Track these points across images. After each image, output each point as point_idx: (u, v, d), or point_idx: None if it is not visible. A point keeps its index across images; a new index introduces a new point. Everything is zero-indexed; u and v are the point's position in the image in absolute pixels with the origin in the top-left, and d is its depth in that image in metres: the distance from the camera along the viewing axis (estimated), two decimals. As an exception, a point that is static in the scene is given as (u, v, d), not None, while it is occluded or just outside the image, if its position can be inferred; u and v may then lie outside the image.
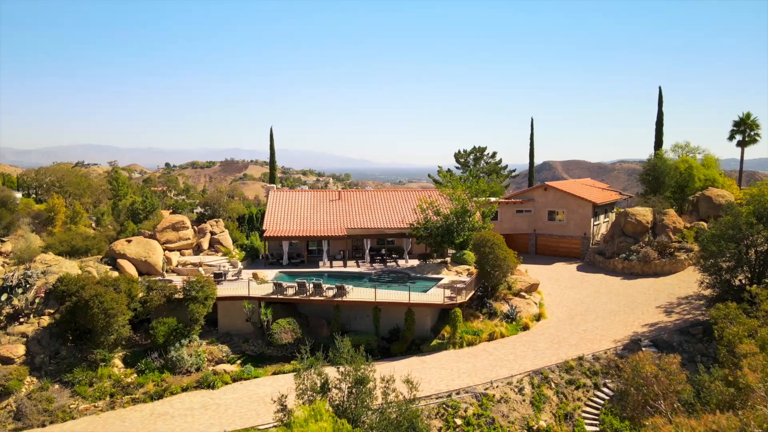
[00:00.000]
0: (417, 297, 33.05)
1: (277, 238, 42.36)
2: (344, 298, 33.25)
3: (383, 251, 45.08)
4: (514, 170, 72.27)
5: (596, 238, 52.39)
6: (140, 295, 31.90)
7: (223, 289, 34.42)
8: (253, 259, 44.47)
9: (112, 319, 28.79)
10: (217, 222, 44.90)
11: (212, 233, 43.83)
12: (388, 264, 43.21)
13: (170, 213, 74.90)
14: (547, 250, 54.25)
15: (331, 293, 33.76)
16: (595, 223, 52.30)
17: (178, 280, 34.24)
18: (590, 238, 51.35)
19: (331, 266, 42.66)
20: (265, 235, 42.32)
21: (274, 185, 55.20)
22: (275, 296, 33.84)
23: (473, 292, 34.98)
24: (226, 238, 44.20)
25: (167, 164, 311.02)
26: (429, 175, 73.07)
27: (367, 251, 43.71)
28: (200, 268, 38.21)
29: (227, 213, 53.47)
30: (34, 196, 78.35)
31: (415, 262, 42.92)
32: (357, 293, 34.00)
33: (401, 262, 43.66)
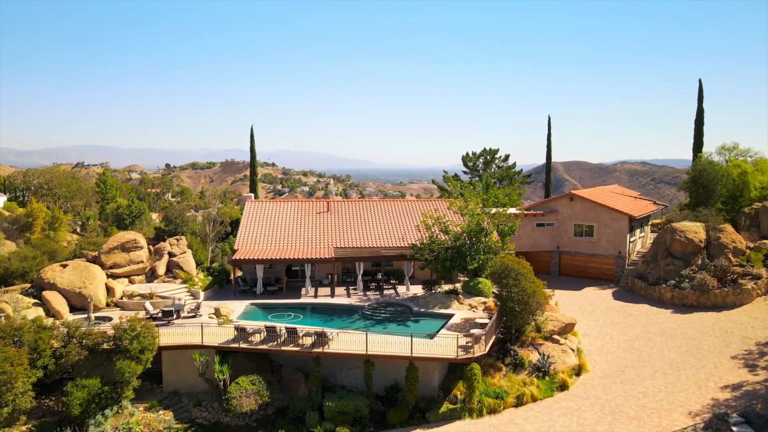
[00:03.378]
0: (421, 347, 25.07)
1: (248, 262, 34.53)
2: (326, 349, 25.36)
3: (379, 276, 37.26)
4: (529, 175, 64.35)
5: (632, 258, 44.37)
6: (55, 345, 24.09)
7: (170, 334, 26.57)
8: (221, 285, 36.59)
9: (4, 387, 20.98)
10: (178, 240, 36.95)
11: (171, 254, 35.91)
12: (385, 292, 35.46)
13: (164, 216, 67.68)
14: (573, 270, 46.23)
15: (309, 341, 25.88)
16: (631, 239, 44.25)
17: (117, 320, 26.52)
18: (626, 258, 43.33)
19: (316, 295, 34.94)
20: (234, 258, 34.48)
21: (253, 194, 47.20)
22: (236, 344, 26.00)
23: (494, 338, 27.05)
24: (187, 260, 36.24)
25: (167, 165, 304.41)
26: (433, 181, 65.16)
27: (360, 277, 35.82)
28: (147, 302, 30.34)
29: (193, 227, 45.49)
30: (21, 198, 71.51)
31: (418, 290, 35.09)
32: (343, 341, 26.03)
33: (401, 290, 35.91)
